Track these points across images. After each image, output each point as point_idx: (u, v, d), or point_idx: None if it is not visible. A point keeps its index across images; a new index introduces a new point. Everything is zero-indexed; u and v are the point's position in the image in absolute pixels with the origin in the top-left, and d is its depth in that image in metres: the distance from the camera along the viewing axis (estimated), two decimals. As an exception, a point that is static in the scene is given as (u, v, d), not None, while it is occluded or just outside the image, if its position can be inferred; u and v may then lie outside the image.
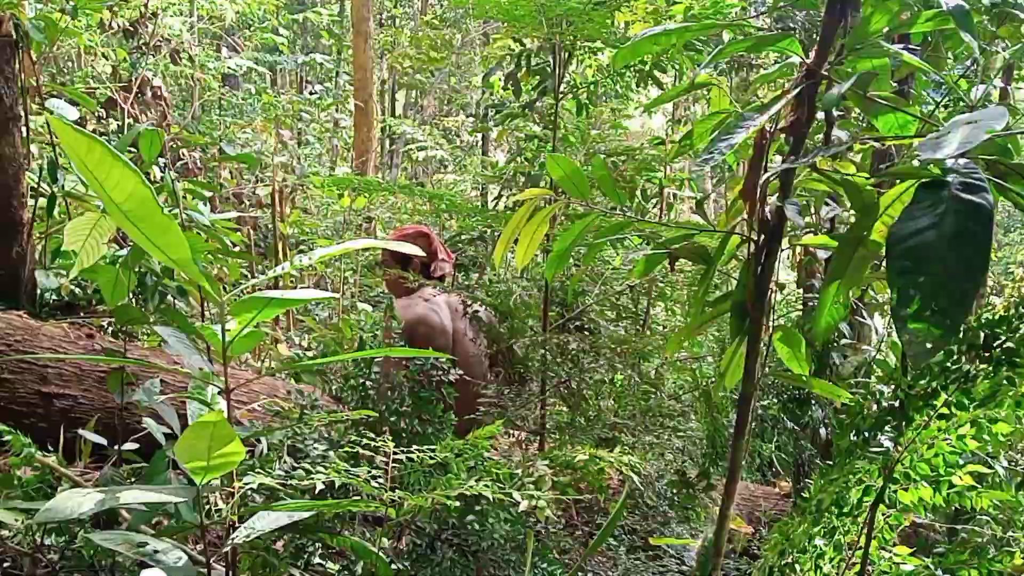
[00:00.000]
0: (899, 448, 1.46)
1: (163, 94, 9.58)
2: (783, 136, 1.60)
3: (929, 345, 1.23)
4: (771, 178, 1.57)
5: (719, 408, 2.65)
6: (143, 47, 9.81)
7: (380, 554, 1.62)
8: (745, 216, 1.60)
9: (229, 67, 11.39)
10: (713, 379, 2.92)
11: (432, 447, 1.97)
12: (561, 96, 5.08)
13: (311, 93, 13.19)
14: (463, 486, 1.82)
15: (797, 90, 1.52)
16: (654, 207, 6.18)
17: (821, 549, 1.62)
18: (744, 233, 1.62)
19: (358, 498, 1.60)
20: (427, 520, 2.05)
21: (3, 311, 3.83)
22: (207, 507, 1.68)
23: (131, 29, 9.78)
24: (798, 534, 1.57)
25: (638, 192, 5.06)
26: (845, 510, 1.51)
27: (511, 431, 3.30)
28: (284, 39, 13.57)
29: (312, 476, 1.55)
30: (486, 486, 1.87)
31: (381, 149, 13.91)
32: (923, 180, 1.33)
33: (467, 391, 2.93)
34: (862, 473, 1.49)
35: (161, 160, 8.03)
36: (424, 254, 3.57)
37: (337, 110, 13.02)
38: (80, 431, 2.77)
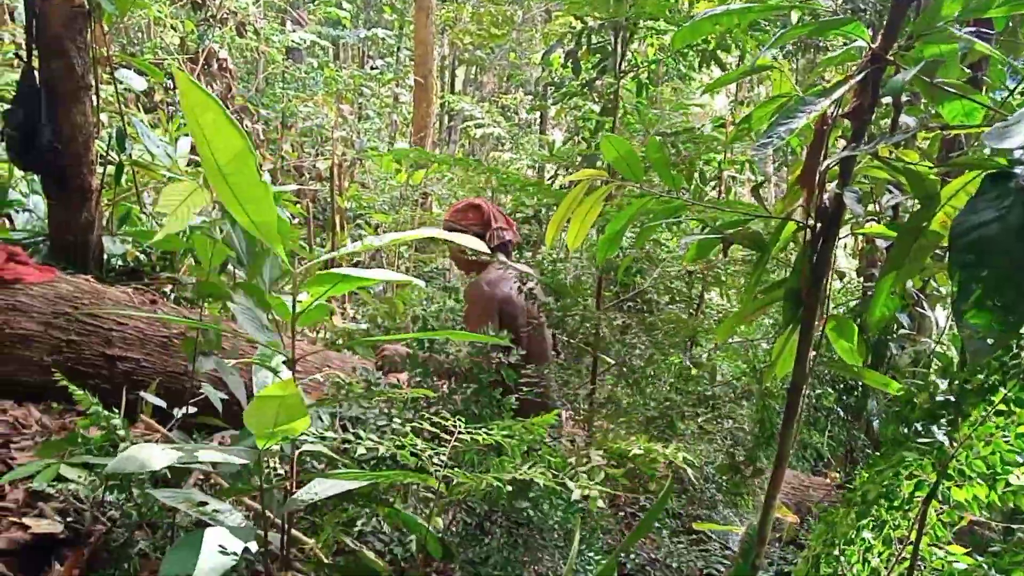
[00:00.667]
0: (954, 443, 1.44)
1: (229, 66, 9.76)
2: (846, 121, 1.56)
3: (991, 341, 1.20)
4: (831, 165, 1.54)
5: (771, 394, 2.63)
6: (210, 19, 9.99)
7: (430, 530, 1.65)
8: (803, 202, 1.57)
9: (293, 40, 11.54)
10: (766, 364, 2.89)
11: (488, 428, 1.99)
12: (621, 75, 5.03)
13: (372, 68, 13.28)
14: (516, 470, 1.84)
15: (861, 75, 1.49)
16: (712, 189, 6.09)
17: (869, 542, 1.60)
18: (801, 220, 1.59)
19: (412, 471, 1.63)
20: (479, 500, 2.07)
21: (71, 275, 3.97)
22: (266, 471, 1.73)
23: (199, 1, 9.96)
24: (845, 525, 1.55)
25: (696, 174, 5.00)
26: (895, 503, 1.48)
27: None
28: (347, 13, 13.67)
29: (367, 443, 1.58)
30: (541, 473, 1.89)
31: (440, 125, 13.96)
32: (989, 171, 1.29)
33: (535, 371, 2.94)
34: (913, 467, 1.47)
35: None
36: (479, 227, 3.59)
37: (397, 85, 13.09)
38: (142, 393, 2.86)
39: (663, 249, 3.95)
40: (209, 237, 2.76)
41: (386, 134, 12.96)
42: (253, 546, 1.40)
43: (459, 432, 1.77)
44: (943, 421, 1.41)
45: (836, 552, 1.61)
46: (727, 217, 1.70)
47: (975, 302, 1.21)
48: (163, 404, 2.85)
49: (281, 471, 1.63)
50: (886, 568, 1.61)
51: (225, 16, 10.22)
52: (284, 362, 1.64)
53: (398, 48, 15.18)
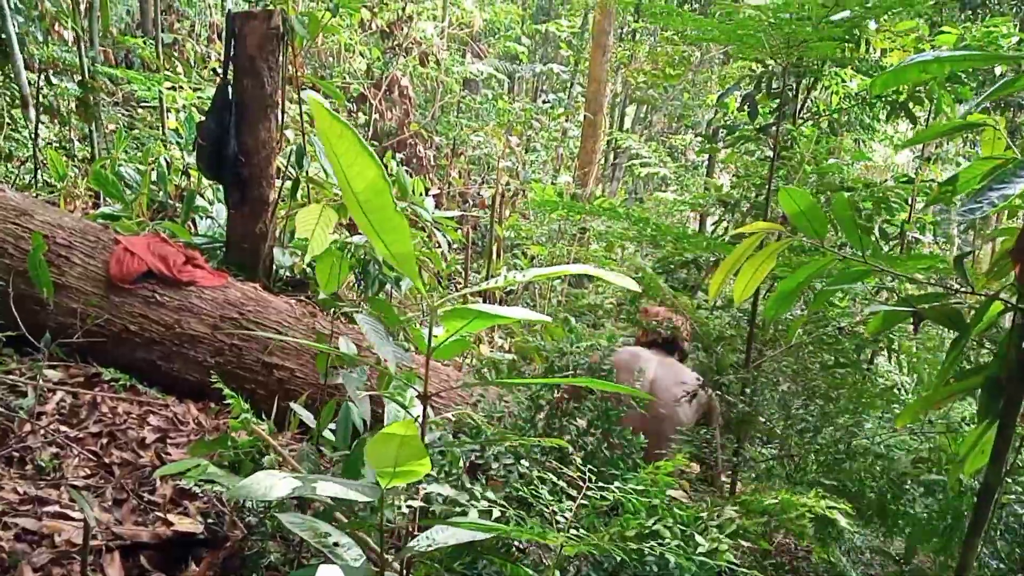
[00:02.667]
0: None
1: (409, 93, 10.17)
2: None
3: None
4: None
5: (952, 490, 2.34)
6: (396, 48, 10.46)
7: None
8: (1013, 280, 1.36)
9: (471, 72, 11.89)
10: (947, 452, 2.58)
11: (614, 477, 1.87)
12: (800, 122, 4.78)
13: (544, 102, 13.48)
14: (641, 526, 1.71)
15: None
16: (891, 250, 5.67)
17: None
18: (1009, 300, 1.38)
19: (534, 530, 1.53)
20: (606, 554, 1.95)
21: (242, 281, 4.17)
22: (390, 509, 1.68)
23: (387, 30, 10.46)
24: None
25: (875, 231, 4.67)
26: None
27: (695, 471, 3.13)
28: (525, 48, 13.94)
29: (481, 505, 1.50)
30: (666, 527, 1.75)
31: (605, 161, 13.93)
32: None
33: (656, 432, 2.81)
34: None
35: (398, 154, 8.52)
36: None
37: (567, 120, 13.20)
38: (292, 405, 2.91)
39: (832, 309, 3.67)
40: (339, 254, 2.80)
41: (551, 167, 13.06)
42: (368, 587, 1.35)
43: (588, 487, 1.66)
44: None
45: None
46: (922, 290, 1.50)
47: None
48: (310, 418, 2.89)
49: (405, 510, 1.57)
50: None
51: (410, 46, 10.66)
52: (417, 396, 1.59)
53: (571, 84, 15.32)
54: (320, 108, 1.17)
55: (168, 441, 3.30)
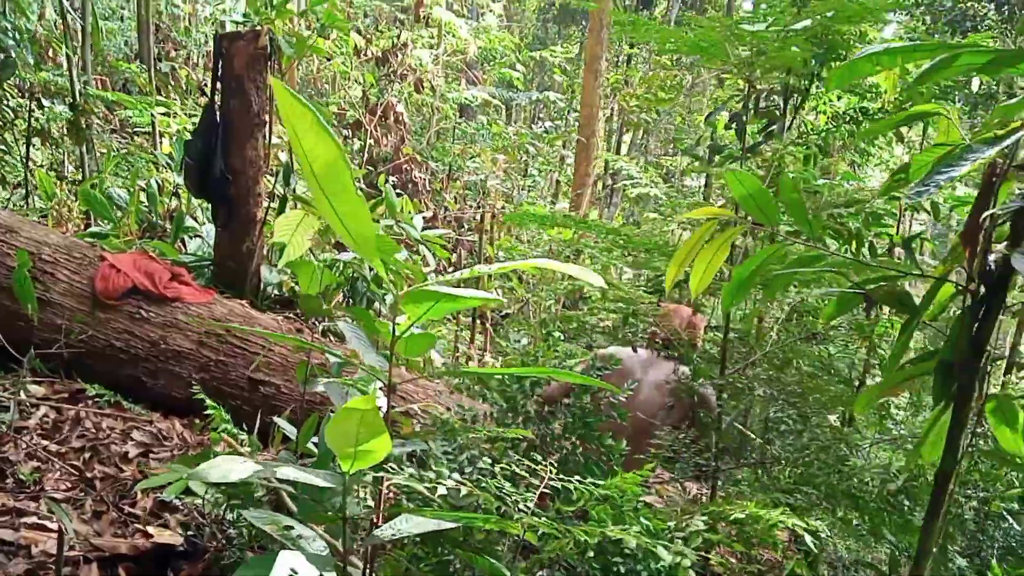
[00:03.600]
0: None
1: (404, 119, 10.25)
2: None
3: None
4: (1000, 221, 1.34)
5: (921, 487, 2.33)
6: (391, 75, 10.56)
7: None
8: (964, 263, 1.38)
9: (467, 98, 11.99)
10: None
11: (580, 483, 1.87)
12: (789, 143, 4.81)
13: (540, 128, 13.59)
14: (603, 535, 1.70)
15: (1041, 120, 1.30)
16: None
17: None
18: (960, 282, 1.40)
19: (495, 518, 1.53)
20: (577, 559, 1.94)
21: (228, 299, 4.18)
22: (356, 500, 1.68)
23: (382, 57, 10.57)
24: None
25: (865, 247, 4.69)
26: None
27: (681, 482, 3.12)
28: (520, 75, 14.06)
29: (448, 483, 1.50)
30: (634, 535, 1.74)
31: (602, 186, 14.00)
32: None
33: (638, 434, 2.82)
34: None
35: (392, 178, 8.57)
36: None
37: (564, 146, 13.28)
38: (275, 419, 2.91)
39: (813, 319, 3.68)
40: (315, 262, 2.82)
41: (548, 192, 13.12)
42: (330, 576, 1.35)
43: (550, 478, 1.66)
44: None
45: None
46: (871, 273, 1.51)
47: None
48: (293, 431, 2.89)
49: (370, 501, 1.57)
50: None
51: (405, 72, 10.77)
52: (381, 388, 1.60)
53: (567, 111, 15.43)
54: (281, 89, 1.19)
55: (151, 456, 3.30)
